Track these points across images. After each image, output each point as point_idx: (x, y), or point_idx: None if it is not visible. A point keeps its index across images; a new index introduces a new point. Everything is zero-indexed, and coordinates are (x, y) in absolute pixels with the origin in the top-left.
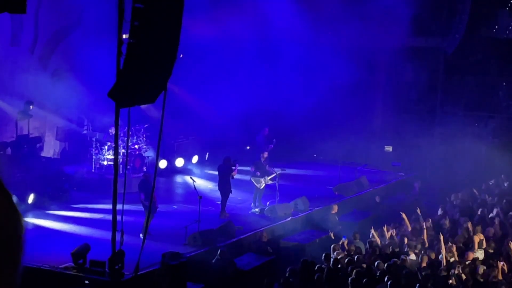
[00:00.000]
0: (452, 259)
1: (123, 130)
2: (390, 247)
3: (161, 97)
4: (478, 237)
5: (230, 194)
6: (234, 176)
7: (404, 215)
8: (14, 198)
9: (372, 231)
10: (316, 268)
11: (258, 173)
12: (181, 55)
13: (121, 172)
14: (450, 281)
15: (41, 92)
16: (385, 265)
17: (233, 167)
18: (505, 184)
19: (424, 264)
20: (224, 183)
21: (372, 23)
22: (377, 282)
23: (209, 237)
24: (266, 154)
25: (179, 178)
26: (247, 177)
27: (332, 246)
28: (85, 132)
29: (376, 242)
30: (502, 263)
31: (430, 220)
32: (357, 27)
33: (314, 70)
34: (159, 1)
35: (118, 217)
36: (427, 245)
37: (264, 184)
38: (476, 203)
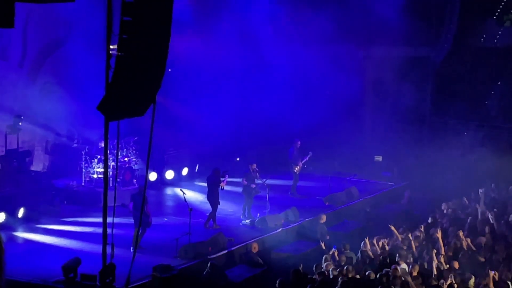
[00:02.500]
0: (442, 268)
1: (112, 143)
2: (381, 257)
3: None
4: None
5: (219, 205)
6: (223, 188)
7: (392, 227)
8: (2, 215)
9: (364, 241)
10: (307, 279)
11: (253, 185)
12: (169, 70)
13: (111, 185)
14: None
15: (30, 106)
16: (377, 275)
17: (222, 179)
18: (495, 193)
19: (415, 274)
20: (213, 194)
21: (361, 34)
22: None
23: (200, 249)
24: (300, 166)
25: (169, 191)
26: (237, 189)
27: (324, 256)
28: (75, 145)
29: (367, 252)
30: (493, 272)
31: (420, 229)
32: (346, 37)
33: (304, 82)
34: (148, 14)
35: (109, 230)
36: (417, 254)
37: (253, 195)
38: (466, 212)
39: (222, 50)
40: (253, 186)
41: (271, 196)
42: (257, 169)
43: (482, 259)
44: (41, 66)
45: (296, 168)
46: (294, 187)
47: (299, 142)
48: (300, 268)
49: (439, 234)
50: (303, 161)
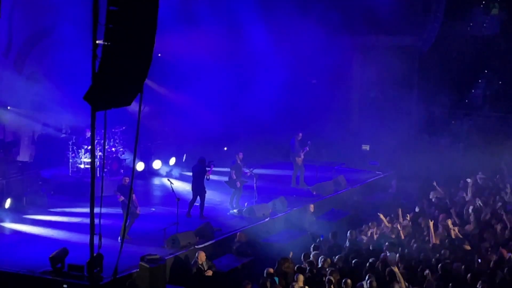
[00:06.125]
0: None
1: (99, 133)
2: (370, 246)
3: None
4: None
5: (205, 194)
6: (209, 178)
7: (381, 216)
8: None
9: (352, 230)
10: (296, 268)
11: (238, 184)
12: (159, 54)
13: (98, 175)
14: (428, 277)
15: (16, 96)
16: (364, 264)
17: (208, 168)
18: (482, 182)
19: (402, 263)
20: (198, 184)
21: (346, 23)
22: (357, 281)
23: (188, 239)
24: (302, 157)
25: (156, 180)
26: (225, 178)
27: (312, 246)
28: (63, 135)
29: (355, 241)
30: (479, 260)
31: (407, 218)
32: (333, 24)
33: (290, 69)
34: (134, 3)
35: (96, 221)
36: (405, 243)
37: (241, 185)
38: (454, 200)
39: (211, 40)
40: (238, 184)
41: (259, 186)
42: (243, 159)
43: (468, 247)
44: (27, 56)
45: (298, 160)
46: (302, 179)
47: (300, 134)
48: (290, 256)
49: (430, 224)
50: (303, 152)
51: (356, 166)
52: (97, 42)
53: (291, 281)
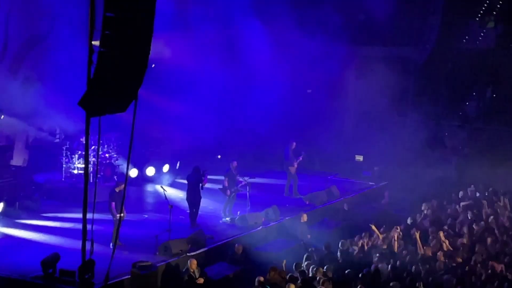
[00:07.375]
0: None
1: (93, 138)
2: (361, 256)
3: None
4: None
5: (200, 203)
6: (204, 186)
7: (373, 227)
8: None
9: (343, 240)
10: (287, 277)
11: (228, 192)
12: (153, 65)
13: (91, 181)
14: None
15: (11, 101)
16: (356, 274)
17: (203, 177)
18: (475, 194)
19: (392, 274)
20: (193, 193)
21: (343, 33)
22: None
23: (180, 246)
24: (295, 166)
25: (149, 187)
26: (218, 186)
27: (304, 255)
28: (57, 140)
29: (347, 251)
30: (471, 272)
31: (400, 229)
32: (329, 37)
33: (285, 80)
34: (130, 10)
35: (88, 226)
36: (397, 255)
37: (234, 194)
38: (446, 213)
39: (208, 48)
40: (228, 193)
41: (252, 194)
42: (237, 167)
43: (460, 260)
44: (22, 60)
45: (292, 169)
46: (295, 188)
47: (294, 143)
48: (283, 265)
49: (417, 235)
50: (297, 162)
51: (349, 177)
52: (93, 48)
53: None
